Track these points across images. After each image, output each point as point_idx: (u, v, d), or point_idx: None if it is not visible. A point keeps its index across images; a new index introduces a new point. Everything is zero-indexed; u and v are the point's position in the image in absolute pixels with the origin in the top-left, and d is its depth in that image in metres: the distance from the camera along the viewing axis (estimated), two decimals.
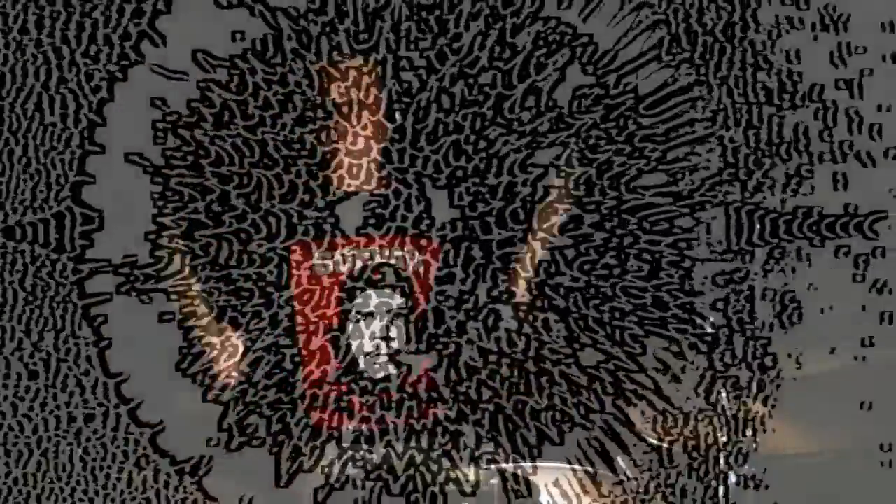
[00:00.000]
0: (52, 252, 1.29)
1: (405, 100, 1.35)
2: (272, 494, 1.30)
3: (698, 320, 1.39)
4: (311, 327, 1.34)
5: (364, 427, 1.35)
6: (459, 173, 1.37)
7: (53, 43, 1.24)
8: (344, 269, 1.37)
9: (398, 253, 1.37)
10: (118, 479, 1.28)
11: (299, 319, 1.34)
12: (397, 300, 1.37)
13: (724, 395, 1.43)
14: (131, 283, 1.26)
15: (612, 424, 1.40)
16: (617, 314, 1.41)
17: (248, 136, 1.32)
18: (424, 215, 1.38)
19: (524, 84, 1.38)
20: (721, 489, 1.41)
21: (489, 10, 1.37)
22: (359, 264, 1.36)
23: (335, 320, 1.35)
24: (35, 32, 1.23)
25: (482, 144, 1.37)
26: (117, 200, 1.26)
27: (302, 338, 1.35)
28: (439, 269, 1.40)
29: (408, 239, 1.36)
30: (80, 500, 1.27)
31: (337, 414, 1.33)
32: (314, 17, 1.32)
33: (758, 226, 1.39)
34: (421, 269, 1.38)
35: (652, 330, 1.42)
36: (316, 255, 1.35)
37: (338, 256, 1.37)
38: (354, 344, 1.35)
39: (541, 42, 1.37)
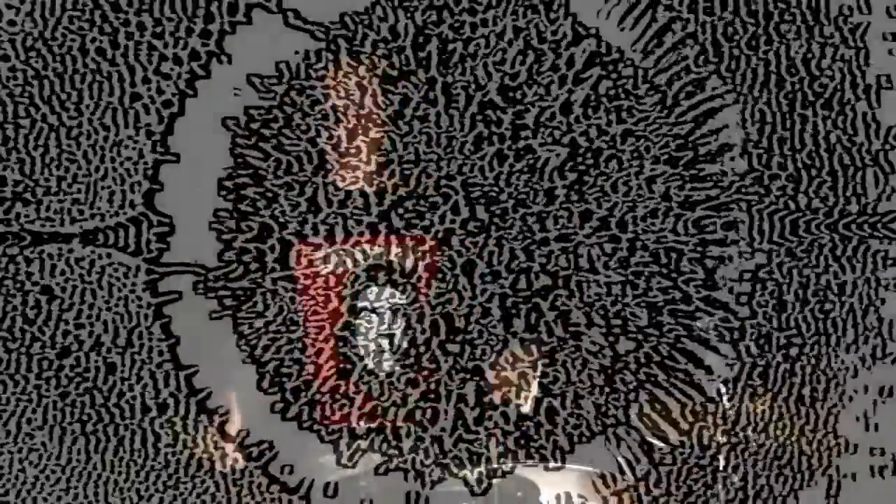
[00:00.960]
0: (127, 254, 1.30)
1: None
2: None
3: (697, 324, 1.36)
4: (316, 326, 1.34)
5: (371, 424, 1.35)
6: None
7: (128, 62, 1.28)
8: (348, 266, 1.35)
9: (399, 251, 1.35)
10: (189, 464, 1.30)
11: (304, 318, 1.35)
12: (400, 297, 1.36)
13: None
14: (201, 283, 1.30)
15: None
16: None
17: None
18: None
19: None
20: None
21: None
22: (362, 262, 1.35)
23: (340, 318, 1.34)
24: (111, 52, 1.28)
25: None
26: (187, 206, 1.30)
27: (308, 337, 1.35)
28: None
29: (408, 238, 1.35)
30: (154, 482, 1.29)
31: (344, 411, 1.34)
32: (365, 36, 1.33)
33: None
34: (424, 267, 1.36)
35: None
36: (320, 253, 1.35)
37: (340, 255, 1.35)
38: (359, 342, 1.34)
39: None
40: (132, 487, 1.31)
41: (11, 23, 1.29)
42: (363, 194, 1.33)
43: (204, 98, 1.31)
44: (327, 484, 1.35)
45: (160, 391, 1.30)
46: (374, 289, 1.35)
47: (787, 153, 1.30)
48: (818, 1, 1.30)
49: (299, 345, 1.34)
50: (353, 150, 1.34)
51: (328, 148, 1.34)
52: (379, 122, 1.34)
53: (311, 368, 1.34)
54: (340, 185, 1.34)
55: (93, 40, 1.30)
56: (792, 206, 1.31)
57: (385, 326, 1.34)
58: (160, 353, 1.28)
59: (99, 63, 1.30)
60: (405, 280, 1.34)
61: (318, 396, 1.33)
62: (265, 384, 1.33)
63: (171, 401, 1.31)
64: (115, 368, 1.29)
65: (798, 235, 1.31)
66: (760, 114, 1.30)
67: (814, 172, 1.30)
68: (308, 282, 1.34)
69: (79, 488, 1.30)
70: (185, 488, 1.31)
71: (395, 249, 1.35)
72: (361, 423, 1.35)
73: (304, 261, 1.34)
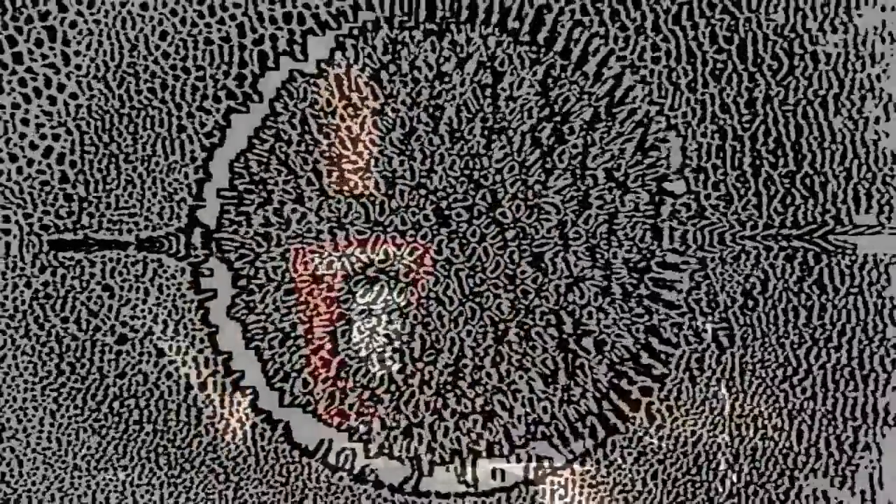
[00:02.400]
0: (174, 259, 1.36)
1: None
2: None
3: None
4: (314, 327, 1.37)
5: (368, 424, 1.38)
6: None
7: (175, 100, 1.34)
8: (345, 269, 1.37)
9: (396, 252, 1.37)
10: (223, 433, 1.38)
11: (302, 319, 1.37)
12: (396, 298, 1.36)
13: None
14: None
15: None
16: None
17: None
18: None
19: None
20: None
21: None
22: (358, 264, 1.37)
23: (336, 320, 1.37)
24: (160, 92, 1.34)
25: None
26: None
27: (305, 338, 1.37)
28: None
29: (406, 239, 1.37)
30: (196, 446, 1.37)
31: (343, 411, 1.38)
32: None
33: None
34: (419, 268, 1.37)
35: None
36: (316, 256, 1.36)
37: (337, 257, 1.37)
38: (356, 342, 1.38)
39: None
40: (174, 450, 1.37)
41: (78, 66, 1.33)
42: (360, 197, 1.36)
43: (238, 130, 1.36)
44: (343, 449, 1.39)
45: (201, 371, 1.37)
46: (371, 290, 1.37)
47: (720, 177, 1.34)
48: (747, 49, 1.32)
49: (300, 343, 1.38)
50: (347, 152, 1.36)
51: (323, 149, 1.36)
52: (374, 122, 1.35)
53: (310, 369, 1.38)
54: (335, 187, 1.36)
55: (145, 81, 1.34)
56: (724, 220, 1.34)
57: (381, 328, 1.38)
58: (201, 341, 1.37)
59: (151, 100, 1.34)
60: (401, 282, 1.37)
61: (317, 395, 1.38)
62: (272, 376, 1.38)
63: (210, 380, 1.36)
64: (163, 353, 1.36)
65: (726, 245, 1.34)
66: (698, 144, 1.33)
67: (742, 192, 1.34)
68: (305, 284, 1.37)
69: (130, 452, 1.37)
70: (223, 453, 1.38)
71: (391, 251, 1.37)
72: (358, 421, 1.38)
73: (301, 263, 1.37)
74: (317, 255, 1.36)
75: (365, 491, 1.39)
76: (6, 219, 1.35)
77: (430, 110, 1.35)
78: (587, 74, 1.34)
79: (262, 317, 1.37)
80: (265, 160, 1.36)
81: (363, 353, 1.37)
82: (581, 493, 1.37)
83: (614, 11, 1.34)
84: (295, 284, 1.36)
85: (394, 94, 1.34)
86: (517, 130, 1.36)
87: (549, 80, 1.35)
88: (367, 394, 1.37)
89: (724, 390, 1.35)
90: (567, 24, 1.34)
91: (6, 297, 1.35)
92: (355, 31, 1.34)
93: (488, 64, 1.35)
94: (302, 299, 1.36)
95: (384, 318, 1.36)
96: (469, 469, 1.37)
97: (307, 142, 1.35)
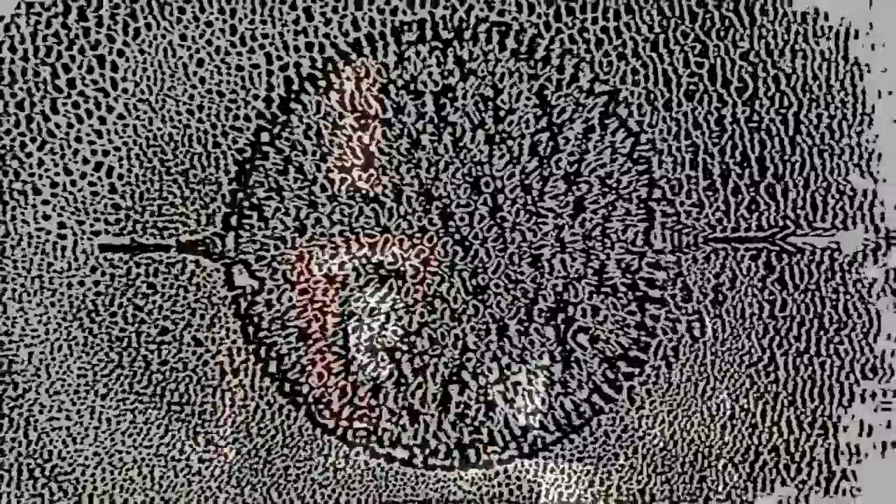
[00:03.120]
0: (210, 260, 1.42)
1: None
2: None
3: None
4: (313, 328, 1.40)
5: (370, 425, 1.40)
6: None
7: (210, 117, 1.42)
8: (344, 268, 1.40)
9: (397, 251, 1.40)
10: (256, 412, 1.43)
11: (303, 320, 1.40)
12: (396, 298, 1.39)
13: None
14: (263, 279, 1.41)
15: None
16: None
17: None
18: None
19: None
20: None
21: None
22: (358, 263, 1.39)
23: (336, 320, 1.40)
24: (197, 113, 1.41)
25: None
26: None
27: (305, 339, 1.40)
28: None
29: (406, 238, 1.39)
30: (231, 425, 1.43)
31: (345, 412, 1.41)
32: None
33: None
34: (420, 267, 1.39)
35: None
36: (316, 254, 1.39)
37: (338, 255, 1.39)
38: (356, 343, 1.41)
39: None
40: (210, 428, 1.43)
41: (125, 90, 1.40)
42: (363, 194, 1.40)
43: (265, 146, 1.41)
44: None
45: (234, 359, 1.42)
46: (373, 290, 1.40)
47: (693, 186, 1.41)
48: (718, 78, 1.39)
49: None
50: (351, 150, 1.40)
51: (329, 148, 1.39)
52: (378, 120, 1.38)
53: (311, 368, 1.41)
54: (339, 185, 1.39)
55: (184, 103, 1.40)
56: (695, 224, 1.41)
57: (383, 327, 1.41)
58: (234, 332, 1.43)
59: (189, 120, 1.40)
60: (403, 281, 1.40)
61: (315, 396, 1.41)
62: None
63: (243, 365, 1.41)
64: (201, 342, 1.43)
65: (698, 246, 1.41)
66: (673, 157, 1.41)
67: (713, 199, 1.41)
68: (307, 283, 1.40)
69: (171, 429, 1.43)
70: (254, 430, 1.43)
71: (394, 250, 1.40)
72: (355, 423, 1.41)
73: (303, 262, 1.40)
74: (329, 255, 1.40)
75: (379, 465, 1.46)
76: (62, 225, 1.43)
77: (436, 121, 1.40)
78: (581, 87, 1.42)
79: (276, 314, 1.42)
80: (282, 168, 1.41)
81: (369, 353, 1.40)
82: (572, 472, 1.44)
83: (599, 40, 1.46)
84: (308, 283, 1.40)
85: (402, 106, 1.39)
86: (516, 139, 1.42)
87: (546, 93, 1.42)
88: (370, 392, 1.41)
89: (724, 395, 1.41)
90: (557, 51, 1.45)
91: (62, 294, 1.43)
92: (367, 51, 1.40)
93: (489, 79, 1.41)
94: (315, 298, 1.40)
95: (392, 315, 1.40)
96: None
97: (321, 150, 1.40)
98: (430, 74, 1.39)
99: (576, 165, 1.40)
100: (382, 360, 1.39)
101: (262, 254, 1.42)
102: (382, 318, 1.39)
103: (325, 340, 1.40)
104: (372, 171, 1.38)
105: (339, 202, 1.39)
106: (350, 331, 1.39)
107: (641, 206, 1.42)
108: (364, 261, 1.39)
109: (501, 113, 1.39)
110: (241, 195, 1.39)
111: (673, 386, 1.44)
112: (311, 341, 1.40)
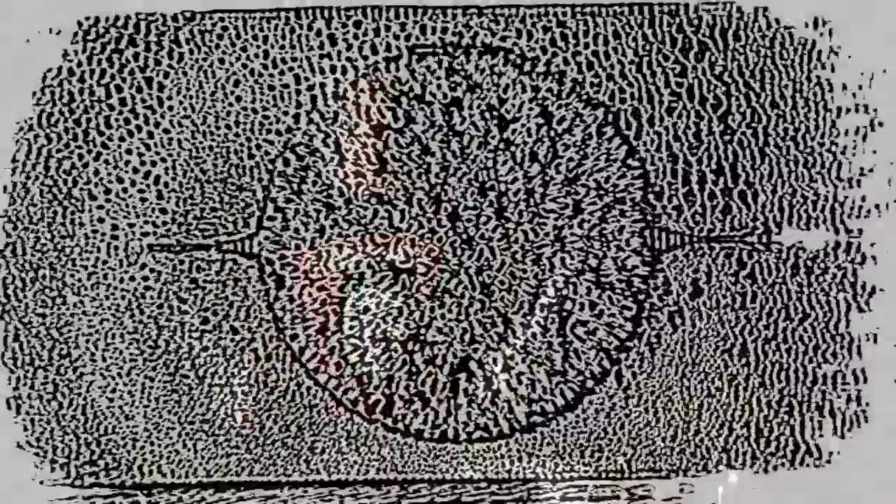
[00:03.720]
0: (245, 258, 1.49)
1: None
2: None
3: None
4: (317, 326, 1.45)
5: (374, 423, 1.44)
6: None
7: (245, 131, 1.48)
8: (347, 267, 1.44)
9: (400, 251, 1.43)
10: (281, 392, 1.47)
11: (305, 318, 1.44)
12: (400, 299, 1.42)
13: None
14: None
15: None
16: None
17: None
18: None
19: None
20: None
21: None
22: (361, 263, 1.43)
23: (339, 319, 1.44)
24: (234, 127, 1.48)
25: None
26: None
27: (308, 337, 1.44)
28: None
29: (407, 238, 1.43)
30: (263, 405, 1.48)
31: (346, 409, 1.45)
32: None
33: None
34: (422, 268, 1.43)
35: None
36: (319, 253, 1.44)
37: (343, 255, 1.43)
38: (359, 342, 1.45)
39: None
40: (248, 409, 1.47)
41: (170, 108, 1.48)
42: (367, 194, 1.43)
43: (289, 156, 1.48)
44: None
45: (267, 346, 1.47)
46: (376, 288, 1.44)
47: (673, 191, 1.48)
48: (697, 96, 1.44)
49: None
50: (358, 152, 1.44)
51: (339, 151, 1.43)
52: (396, 140, 1.42)
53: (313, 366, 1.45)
54: (346, 186, 1.43)
55: (222, 118, 1.48)
56: (676, 226, 1.47)
57: (385, 325, 1.45)
58: (267, 322, 1.49)
59: (227, 134, 1.48)
60: (406, 279, 1.43)
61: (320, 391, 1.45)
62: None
63: (275, 354, 1.46)
64: (237, 331, 1.50)
65: (678, 245, 1.46)
66: (655, 166, 1.48)
67: (691, 203, 1.47)
68: (310, 280, 1.45)
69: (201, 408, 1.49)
70: (286, 409, 1.47)
71: (398, 249, 1.44)
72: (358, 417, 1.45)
73: (305, 261, 1.45)
74: (346, 253, 1.44)
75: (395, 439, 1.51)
76: (115, 227, 1.50)
77: (444, 129, 1.45)
78: (580, 96, 1.49)
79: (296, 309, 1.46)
80: (302, 174, 1.46)
81: (381, 345, 1.44)
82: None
83: (590, 63, 1.58)
84: (326, 280, 1.45)
85: (412, 115, 1.44)
86: (519, 146, 1.47)
87: (547, 104, 1.47)
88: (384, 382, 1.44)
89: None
90: (554, 69, 1.53)
91: (115, 288, 1.51)
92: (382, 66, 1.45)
93: (495, 90, 1.46)
94: (332, 294, 1.45)
95: (403, 310, 1.43)
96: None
97: (339, 156, 1.45)
98: (438, 87, 1.44)
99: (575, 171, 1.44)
100: (395, 350, 1.43)
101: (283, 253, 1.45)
102: (394, 311, 1.43)
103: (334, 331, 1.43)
104: (385, 175, 1.42)
105: (355, 205, 1.43)
106: (363, 324, 1.43)
107: (636, 208, 1.47)
108: (378, 259, 1.43)
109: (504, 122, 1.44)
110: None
111: (656, 369, 1.48)
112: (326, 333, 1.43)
